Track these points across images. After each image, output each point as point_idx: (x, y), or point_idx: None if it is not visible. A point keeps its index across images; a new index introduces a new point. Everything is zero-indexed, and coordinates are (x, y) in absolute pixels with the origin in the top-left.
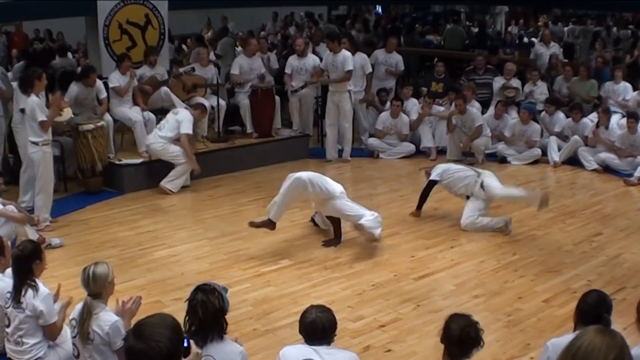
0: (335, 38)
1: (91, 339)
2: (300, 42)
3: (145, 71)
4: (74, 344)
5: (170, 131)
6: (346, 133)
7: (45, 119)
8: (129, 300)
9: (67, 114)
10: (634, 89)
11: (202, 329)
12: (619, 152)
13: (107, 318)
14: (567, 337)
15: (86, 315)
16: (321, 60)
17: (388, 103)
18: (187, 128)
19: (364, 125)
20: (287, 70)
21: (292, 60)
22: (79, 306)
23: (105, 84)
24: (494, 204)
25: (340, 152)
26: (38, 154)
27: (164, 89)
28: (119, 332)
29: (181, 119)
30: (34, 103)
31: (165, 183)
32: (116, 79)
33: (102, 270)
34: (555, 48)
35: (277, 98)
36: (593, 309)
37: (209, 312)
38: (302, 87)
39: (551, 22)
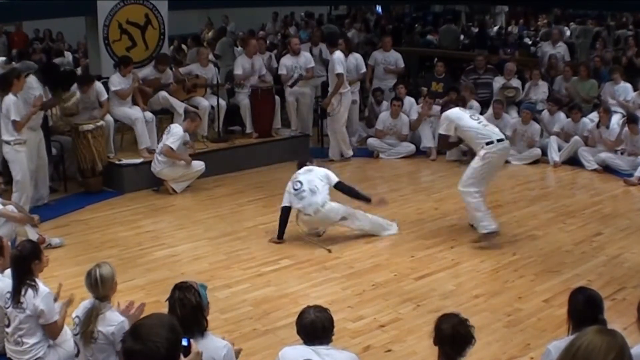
0: (334, 44)
1: (95, 338)
2: (297, 41)
3: (150, 73)
4: (75, 342)
5: (161, 150)
6: (338, 135)
7: (18, 119)
8: (132, 307)
9: (74, 96)
10: (634, 89)
11: (182, 326)
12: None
13: (113, 318)
14: (568, 339)
15: (93, 318)
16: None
17: (384, 103)
18: (169, 141)
19: (355, 127)
20: (282, 71)
21: (285, 60)
22: (85, 304)
23: (105, 84)
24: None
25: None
26: (11, 153)
27: (162, 93)
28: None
29: (170, 134)
30: (10, 102)
31: (171, 182)
32: (117, 82)
33: (108, 272)
34: (561, 49)
35: (277, 98)
36: (584, 312)
37: (186, 309)
38: (295, 80)
39: (554, 22)
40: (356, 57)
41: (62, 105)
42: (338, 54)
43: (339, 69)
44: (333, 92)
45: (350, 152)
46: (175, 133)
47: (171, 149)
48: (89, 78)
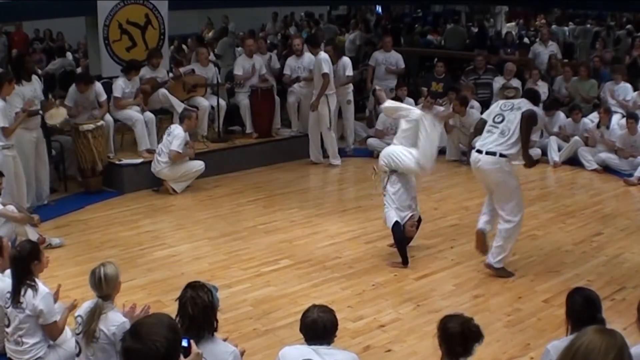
0: (316, 45)
1: (96, 337)
2: (298, 41)
3: (146, 72)
4: (76, 341)
5: (169, 155)
6: (326, 138)
7: (7, 125)
8: (135, 308)
9: (61, 116)
10: (634, 89)
11: (193, 325)
12: (620, 153)
13: (115, 318)
14: (568, 339)
15: (96, 317)
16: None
17: None
18: (174, 145)
19: (350, 128)
20: (286, 71)
21: (290, 61)
22: (87, 304)
23: (105, 85)
24: None
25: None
26: None
27: (162, 90)
28: None
29: (172, 138)
30: None
31: (171, 182)
32: (120, 88)
33: (112, 272)
34: (553, 47)
35: (277, 98)
36: (582, 312)
37: (198, 307)
38: (295, 80)
39: (555, 23)
40: (344, 62)
41: (49, 120)
42: (323, 54)
43: (325, 69)
44: (320, 92)
45: (338, 161)
46: (178, 135)
47: (178, 153)
48: (88, 78)
